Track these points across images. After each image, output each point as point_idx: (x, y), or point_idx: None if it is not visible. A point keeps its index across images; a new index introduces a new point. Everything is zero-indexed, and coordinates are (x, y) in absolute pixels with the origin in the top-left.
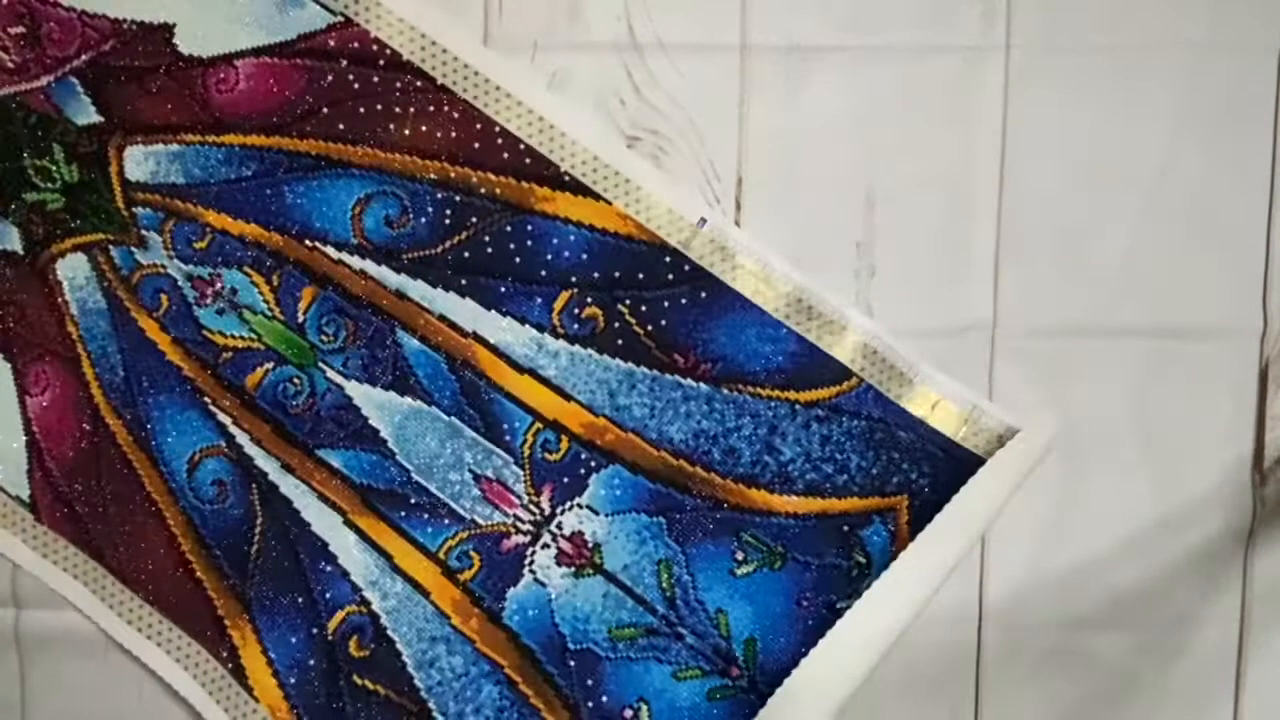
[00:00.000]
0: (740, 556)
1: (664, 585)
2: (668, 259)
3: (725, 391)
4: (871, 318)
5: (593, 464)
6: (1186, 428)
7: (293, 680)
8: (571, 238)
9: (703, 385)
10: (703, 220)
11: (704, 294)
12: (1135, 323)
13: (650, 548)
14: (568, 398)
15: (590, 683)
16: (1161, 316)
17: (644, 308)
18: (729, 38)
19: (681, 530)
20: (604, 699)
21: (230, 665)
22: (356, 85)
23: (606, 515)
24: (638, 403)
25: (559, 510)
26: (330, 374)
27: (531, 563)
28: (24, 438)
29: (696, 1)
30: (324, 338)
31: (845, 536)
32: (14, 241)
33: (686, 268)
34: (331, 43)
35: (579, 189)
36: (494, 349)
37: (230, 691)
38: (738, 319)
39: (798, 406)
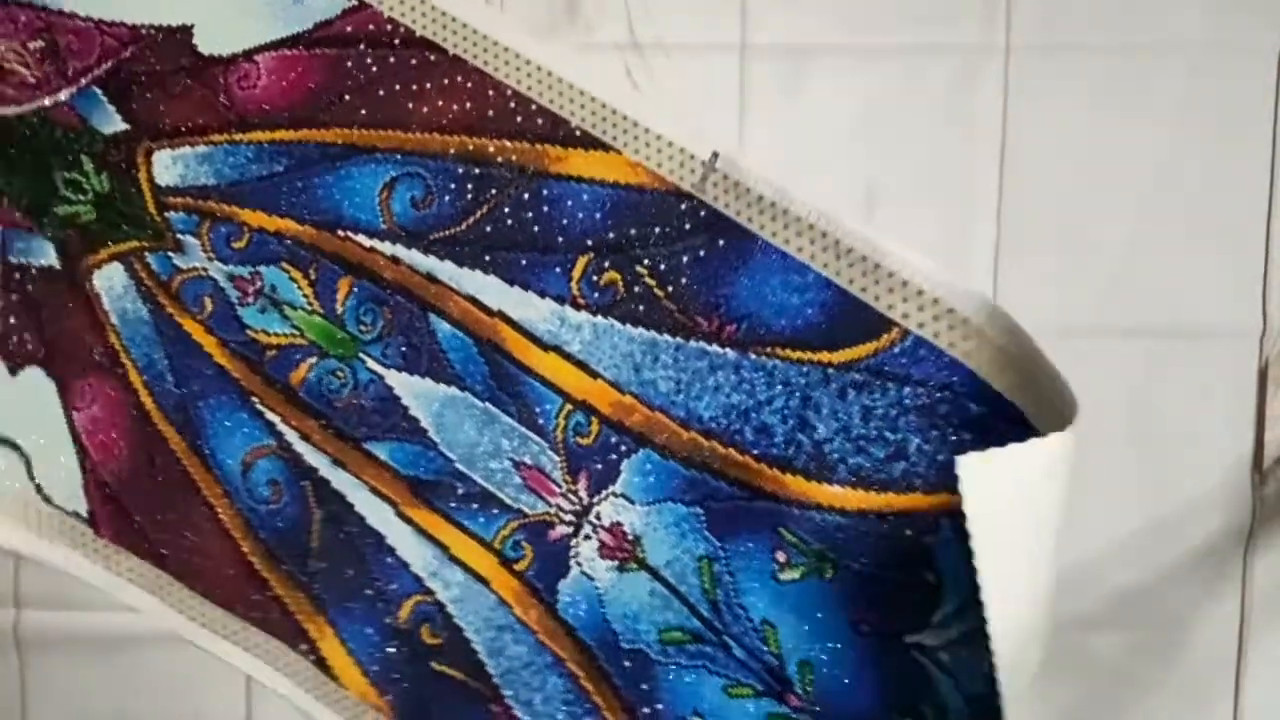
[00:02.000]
0: (782, 558)
1: (706, 585)
2: (683, 206)
3: (753, 357)
4: None
5: (623, 448)
6: (1186, 428)
7: (376, 669)
8: (585, 197)
9: (729, 351)
10: (715, 155)
11: (721, 242)
12: (1135, 323)
13: (690, 542)
14: (594, 375)
15: (645, 687)
16: (1161, 316)
17: (662, 266)
18: (729, 38)
19: (720, 522)
20: (659, 707)
21: (312, 658)
22: (375, 68)
23: (643, 505)
24: (663, 376)
25: (596, 499)
26: (371, 364)
27: (576, 555)
28: (76, 452)
29: (696, 1)
30: (362, 328)
31: (909, 545)
32: (50, 256)
33: (703, 214)
34: (348, 28)
35: (590, 143)
36: (518, 327)
37: (318, 681)
38: (760, 267)
39: (830, 370)
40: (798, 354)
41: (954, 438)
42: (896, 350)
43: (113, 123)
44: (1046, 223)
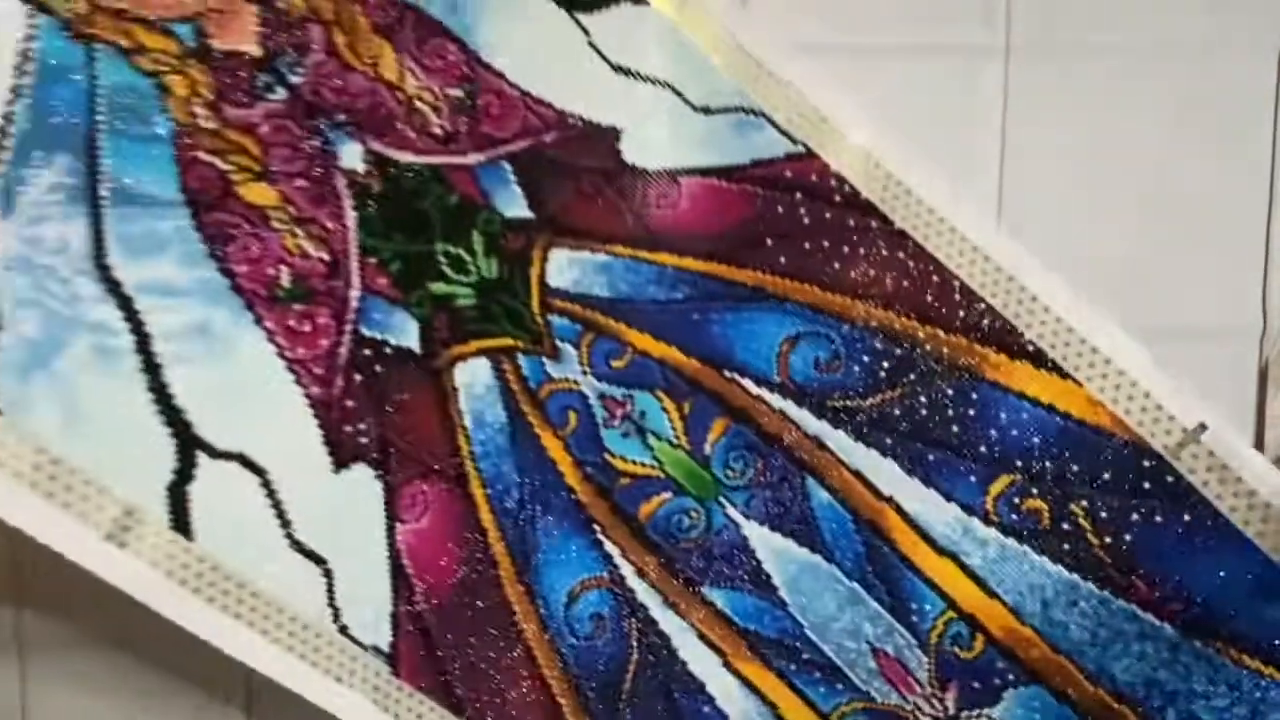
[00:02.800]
0: None
1: None
2: (1147, 464)
3: (1199, 645)
4: None
5: (1010, 677)
6: None
7: None
8: (1024, 415)
9: (1166, 626)
10: (1202, 426)
11: (1187, 516)
12: (1135, 323)
13: None
14: (990, 594)
15: None
16: (1161, 316)
17: (1104, 514)
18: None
19: None
20: None
21: None
22: (807, 220)
23: None
24: (1077, 622)
25: (964, 715)
26: (729, 511)
27: None
28: (389, 573)
29: None
30: (729, 473)
31: None
32: (411, 337)
33: (1169, 479)
34: (788, 173)
35: (1043, 362)
36: (911, 520)
37: None
38: (1234, 560)
39: None
40: (1257, 664)
41: None
42: None
43: (516, 206)
44: (1046, 223)
